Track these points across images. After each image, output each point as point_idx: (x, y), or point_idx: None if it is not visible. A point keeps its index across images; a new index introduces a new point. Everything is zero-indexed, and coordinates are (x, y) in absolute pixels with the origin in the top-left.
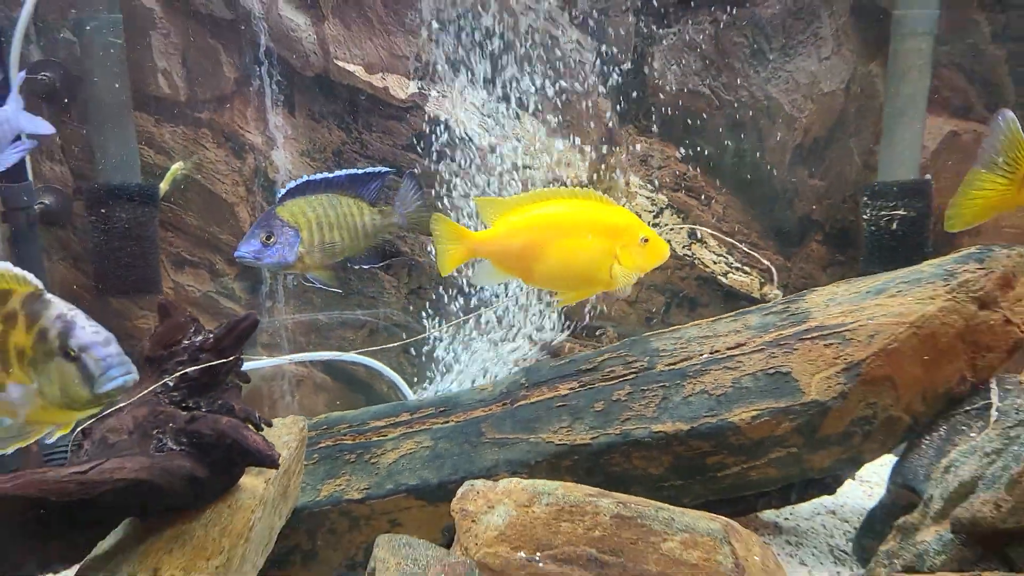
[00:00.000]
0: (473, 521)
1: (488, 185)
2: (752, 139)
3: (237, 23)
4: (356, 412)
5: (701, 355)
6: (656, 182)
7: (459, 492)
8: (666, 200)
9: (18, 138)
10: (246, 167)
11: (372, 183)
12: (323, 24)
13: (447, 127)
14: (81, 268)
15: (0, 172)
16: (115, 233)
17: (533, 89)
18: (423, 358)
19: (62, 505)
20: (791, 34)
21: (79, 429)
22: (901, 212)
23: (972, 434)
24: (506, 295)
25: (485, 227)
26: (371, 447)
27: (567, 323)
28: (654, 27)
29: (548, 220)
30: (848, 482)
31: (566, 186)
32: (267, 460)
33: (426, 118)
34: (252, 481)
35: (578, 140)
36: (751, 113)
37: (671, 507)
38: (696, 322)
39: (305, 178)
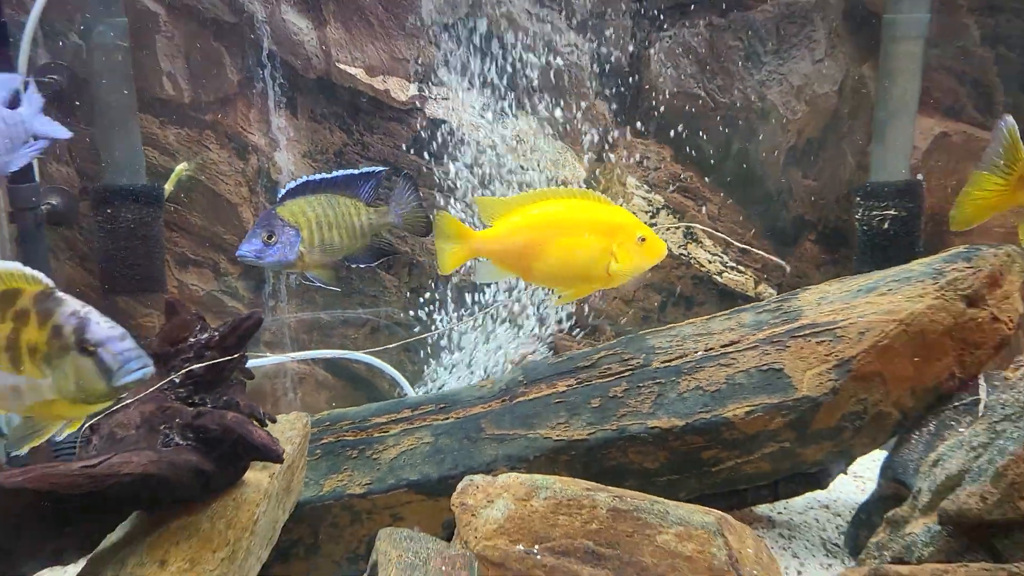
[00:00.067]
0: (473, 515)
1: (488, 185)
2: (747, 140)
3: (240, 27)
4: (358, 409)
5: (696, 352)
6: (652, 183)
7: (459, 487)
8: (662, 200)
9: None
10: (249, 168)
11: (368, 182)
12: (325, 28)
13: (450, 129)
14: (87, 268)
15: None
16: (120, 233)
17: (532, 91)
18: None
19: (74, 497)
20: (785, 37)
21: (87, 425)
22: (893, 212)
23: (960, 429)
24: (507, 295)
25: (485, 227)
26: (373, 443)
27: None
28: (650, 30)
29: (547, 219)
30: (841, 477)
31: (566, 186)
32: (272, 455)
33: (425, 120)
34: (257, 476)
35: (576, 142)
36: (746, 115)
37: (666, 501)
38: (691, 320)
39: (304, 178)
